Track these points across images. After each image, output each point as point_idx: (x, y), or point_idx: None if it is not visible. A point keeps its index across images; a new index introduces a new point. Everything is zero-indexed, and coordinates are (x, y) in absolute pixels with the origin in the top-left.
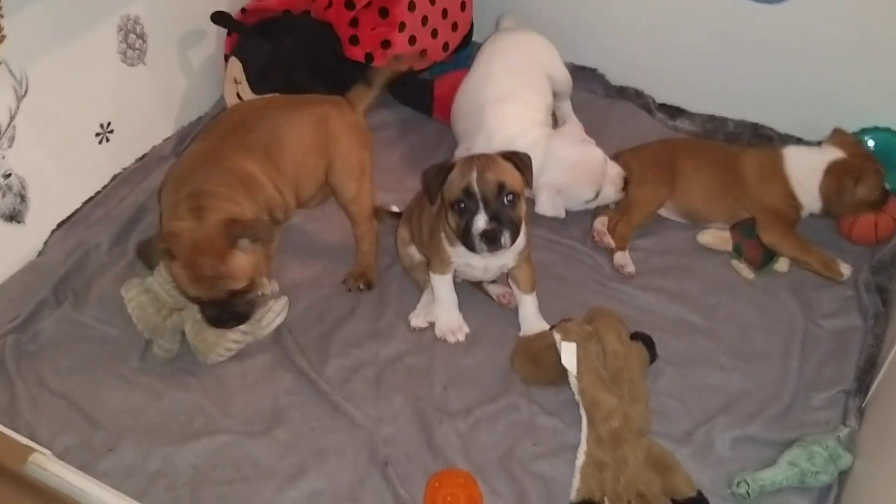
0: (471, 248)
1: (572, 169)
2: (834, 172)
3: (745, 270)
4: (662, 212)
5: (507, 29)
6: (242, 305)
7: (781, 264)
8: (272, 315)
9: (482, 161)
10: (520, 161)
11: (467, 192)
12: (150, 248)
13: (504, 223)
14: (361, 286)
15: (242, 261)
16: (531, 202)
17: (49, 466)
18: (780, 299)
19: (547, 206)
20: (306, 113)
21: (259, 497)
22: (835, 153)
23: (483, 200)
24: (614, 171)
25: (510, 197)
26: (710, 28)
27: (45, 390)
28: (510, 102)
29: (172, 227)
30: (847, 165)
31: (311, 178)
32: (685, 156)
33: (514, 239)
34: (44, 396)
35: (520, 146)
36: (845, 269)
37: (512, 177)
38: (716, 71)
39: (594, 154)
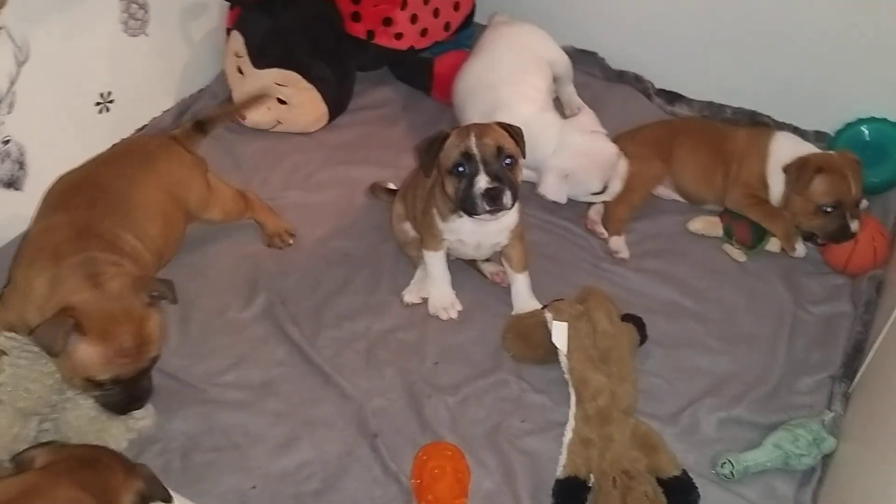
0: (471, 210)
1: (584, 157)
2: (802, 160)
3: (737, 253)
4: (661, 192)
5: (499, 23)
6: (147, 380)
7: (772, 244)
8: None
9: (479, 127)
10: (514, 131)
11: (466, 155)
12: (52, 331)
13: (505, 182)
14: (285, 241)
15: (157, 322)
16: (530, 185)
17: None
18: (770, 284)
19: (551, 187)
20: (147, 172)
21: (249, 464)
22: (817, 150)
23: (483, 162)
24: (623, 167)
25: (508, 160)
26: (710, 15)
27: None
28: (520, 84)
29: (72, 301)
30: (816, 158)
31: (174, 232)
32: (682, 135)
33: (514, 200)
34: None
35: (537, 128)
36: (800, 248)
37: (509, 142)
38: (715, 58)
39: (608, 147)
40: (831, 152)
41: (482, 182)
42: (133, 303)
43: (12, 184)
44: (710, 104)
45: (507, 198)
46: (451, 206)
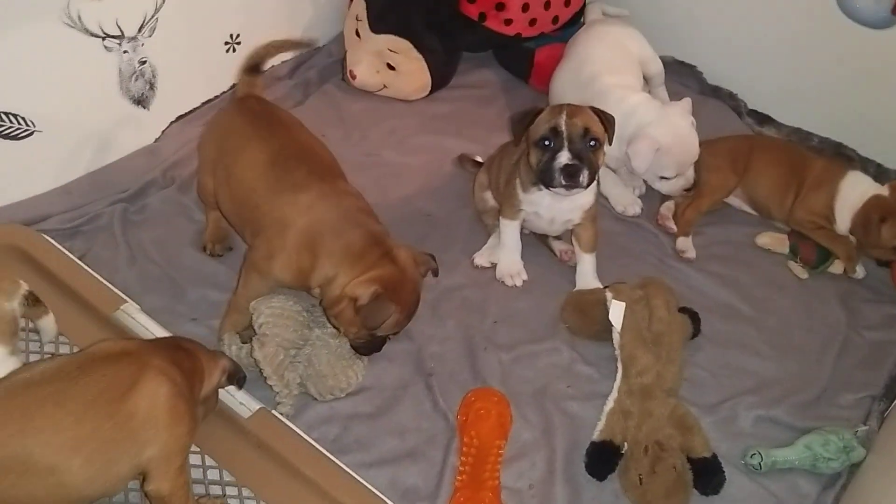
0: (549, 182)
1: (678, 137)
2: (868, 205)
3: (800, 270)
4: (733, 202)
5: (595, 21)
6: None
7: (836, 266)
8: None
9: (571, 107)
10: (605, 118)
11: (554, 130)
12: (381, 313)
13: (585, 162)
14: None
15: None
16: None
17: (136, 316)
18: (827, 303)
19: (642, 152)
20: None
21: None
22: (885, 191)
23: (568, 139)
24: (691, 171)
25: (593, 142)
26: (812, 44)
27: (143, 255)
28: (618, 73)
29: (384, 282)
30: (882, 203)
31: None
32: (761, 150)
33: (590, 180)
34: (140, 260)
35: (634, 103)
36: (860, 270)
37: (597, 126)
38: (810, 86)
39: (696, 140)
40: (886, 193)
41: (563, 158)
42: (416, 273)
43: (141, 102)
44: (797, 130)
45: (583, 176)
46: (532, 178)
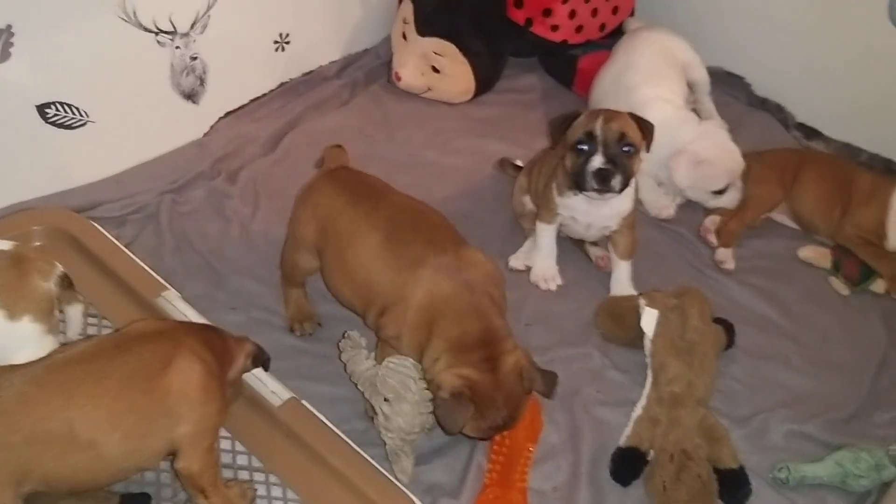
0: (581, 185)
1: (721, 151)
2: None
3: (841, 286)
4: (777, 216)
5: (638, 28)
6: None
7: (878, 285)
8: None
9: (610, 112)
10: (644, 125)
11: (590, 134)
12: (455, 414)
13: (618, 167)
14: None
15: (525, 406)
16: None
17: (176, 303)
18: (868, 321)
19: (682, 167)
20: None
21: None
22: None
23: (603, 144)
24: (740, 183)
25: (628, 148)
26: (863, 58)
27: (187, 245)
28: (658, 87)
29: (472, 384)
30: None
31: None
32: (809, 164)
33: (623, 185)
34: (185, 249)
35: (676, 121)
36: None
37: (634, 132)
38: (859, 101)
39: (738, 153)
40: None
41: (597, 161)
42: (517, 389)
43: (191, 97)
44: (846, 145)
45: (615, 181)
46: (567, 182)
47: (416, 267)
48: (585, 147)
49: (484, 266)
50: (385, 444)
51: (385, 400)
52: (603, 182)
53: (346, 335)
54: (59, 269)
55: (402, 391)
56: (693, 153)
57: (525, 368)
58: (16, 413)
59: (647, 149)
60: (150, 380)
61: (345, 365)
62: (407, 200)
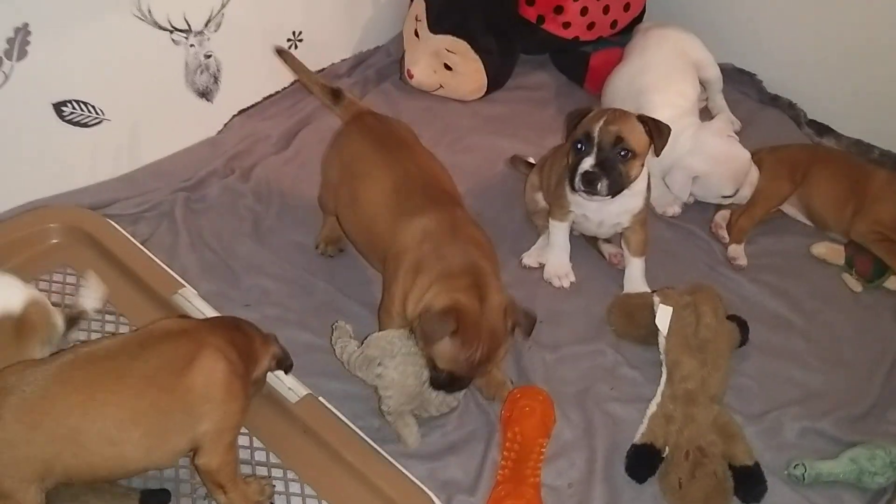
0: (571, 185)
1: (717, 161)
2: None
3: (854, 283)
4: (789, 211)
5: (650, 27)
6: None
7: (891, 282)
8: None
9: (615, 114)
10: (655, 128)
11: (587, 135)
12: (437, 326)
13: (607, 172)
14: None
15: (507, 348)
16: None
17: (193, 300)
18: (881, 318)
19: (677, 183)
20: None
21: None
22: None
23: (598, 146)
24: (755, 174)
25: (624, 152)
26: (876, 54)
27: (201, 242)
28: (667, 92)
29: (458, 303)
30: None
31: None
32: (822, 161)
33: (612, 190)
34: (199, 246)
35: (674, 130)
36: None
37: (636, 136)
38: (872, 98)
39: (742, 153)
40: None
41: (586, 164)
42: (500, 325)
43: (205, 94)
44: (858, 142)
45: (602, 186)
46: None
47: (413, 216)
48: (582, 147)
49: (477, 232)
50: (386, 415)
51: (379, 365)
52: (589, 185)
53: (334, 326)
54: (61, 325)
55: (388, 347)
56: (688, 168)
57: (510, 306)
58: (38, 409)
59: (658, 152)
60: (172, 378)
61: (336, 352)
62: (427, 160)
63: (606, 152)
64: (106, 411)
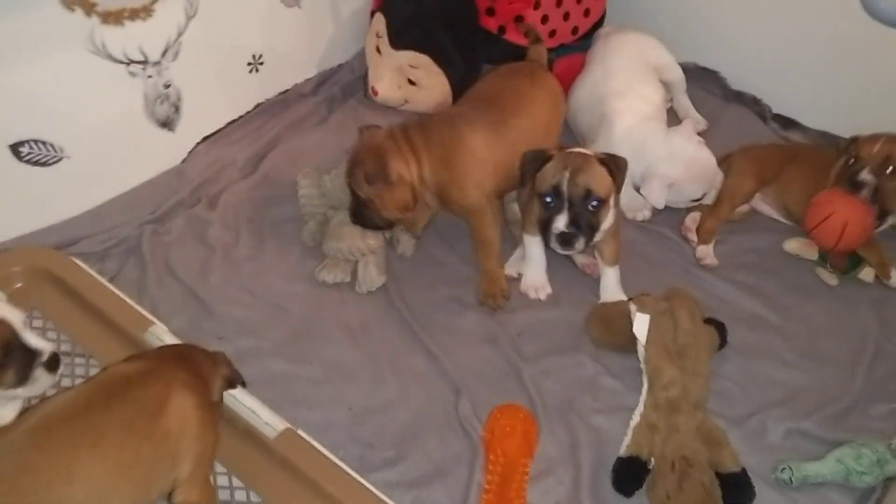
0: (547, 241)
1: (691, 166)
2: None
3: (829, 276)
4: (763, 209)
5: (609, 33)
6: (379, 219)
7: (866, 273)
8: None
9: (578, 162)
10: (615, 165)
11: (556, 190)
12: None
13: (582, 228)
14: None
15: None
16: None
17: (164, 337)
18: (857, 311)
19: (655, 192)
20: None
21: (343, 396)
22: None
23: (569, 201)
24: (720, 177)
25: (595, 203)
26: (837, 46)
27: (171, 275)
28: (630, 97)
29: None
30: None
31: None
32: (795, 158)
33: (588, 242)
34: (168, 280)
35: (639, 137)
36: (894, 277)
37: (602, 183)
38: (835, 89)
39: (710, 157)
40: None
41: (560, 224)
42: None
43: (167, 124)
44: (824, 134)
45: (579, 243)
46: (534, 229)
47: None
48: (551, 202)
49: (466, 114)
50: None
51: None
52: (566, 244)
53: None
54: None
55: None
56: (664, 176)
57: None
58: (20, 482)
59: (619, 189)
60: (149, 423)
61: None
62: (506, 86)
63: (578, 207)
64: (92, 471)
